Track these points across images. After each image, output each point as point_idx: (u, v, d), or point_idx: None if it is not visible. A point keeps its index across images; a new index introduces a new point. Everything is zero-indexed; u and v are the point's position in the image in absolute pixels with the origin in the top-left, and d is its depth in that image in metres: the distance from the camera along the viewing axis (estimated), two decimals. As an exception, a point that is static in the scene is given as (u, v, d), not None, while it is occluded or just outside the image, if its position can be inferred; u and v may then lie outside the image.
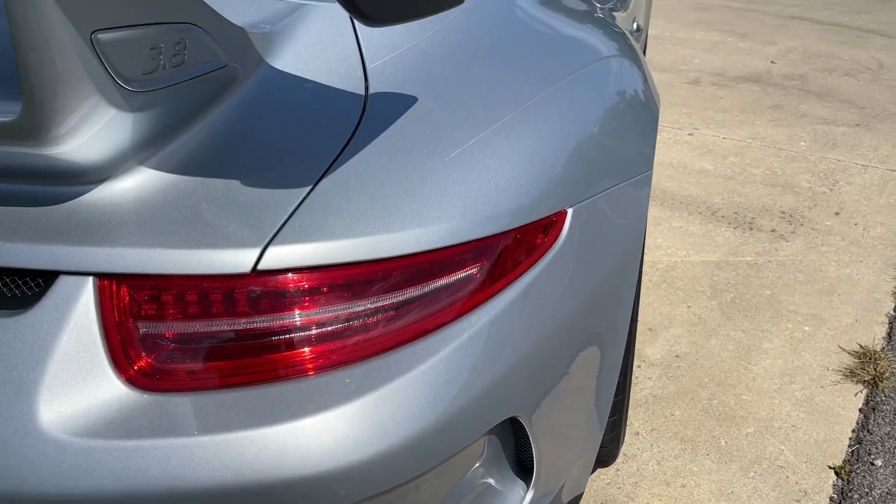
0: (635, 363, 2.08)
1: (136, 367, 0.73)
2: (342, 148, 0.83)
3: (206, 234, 0.74)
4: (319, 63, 0.90)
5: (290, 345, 0.75)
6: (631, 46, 1.49)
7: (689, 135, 3.83)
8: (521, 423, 0.95)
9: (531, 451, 0.99)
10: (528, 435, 0.97)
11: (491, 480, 1.00)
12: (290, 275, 0.75)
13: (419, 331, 0.80)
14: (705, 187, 3.20)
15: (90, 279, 0.72)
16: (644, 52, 3.14)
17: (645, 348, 2.15)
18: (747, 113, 4.17)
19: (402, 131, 0.87)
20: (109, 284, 0.73)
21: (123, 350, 0.73)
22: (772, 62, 5.22)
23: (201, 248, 0.73)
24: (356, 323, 0.78)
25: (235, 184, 0.77)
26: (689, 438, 1.83)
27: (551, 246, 0.93)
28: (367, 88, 0.90)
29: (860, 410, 1.93)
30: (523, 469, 1.04)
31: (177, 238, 0.73)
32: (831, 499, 1.67)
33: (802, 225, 2.87)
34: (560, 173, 0.96)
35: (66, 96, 0.65)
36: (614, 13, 1.93)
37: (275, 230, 0.74)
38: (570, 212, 0.95)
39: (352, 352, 0.77)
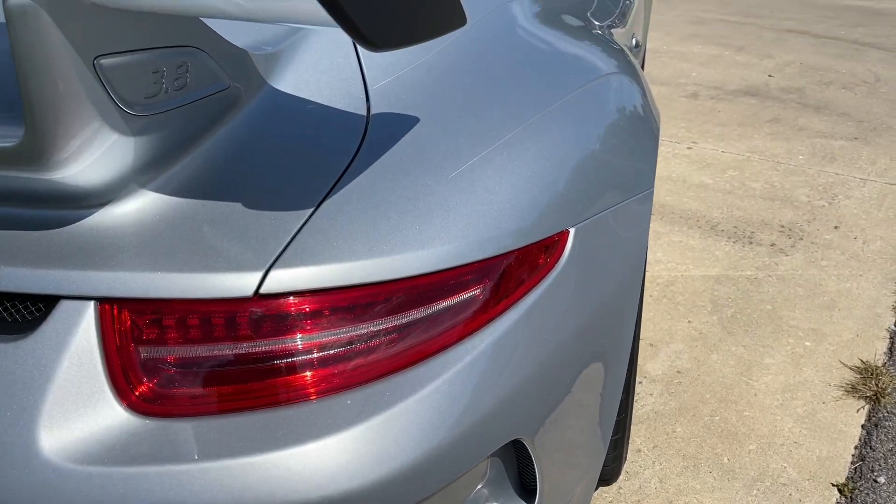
0: (636, 379, 2.07)
1: (137, 393, 0.72)
2: (344, 169, 0.82)
3: (209, 257, 0.73)
4: (321, 84, 0.90)
5: (293, 369, 0.75)
6: (630, 63, 1.50)
7: (688, 148, 3.84)
8: (524, 444, 0.94)
9: (534, 471, 0.99)
10: (531, 456, 0.96)
11: (495, 503, 0.99)
12: (292, 298, 0.74)
13: (422, 353, 0.80)
14: (704, 201, 3.20)
15: (91, 304, 0.72)
16: (642, 66, 3.15)
17: (646, 364, 2.15)
18: (746, 126, 4.18)
19: (403, 152, 0.86)
20: (111, 309, 0.72)
21: (125, 375, 0.72)
22: (769, 75, 5.24)
23: (203, 271, 0.72)
24: (359, 346, 0.77)
25: (237, 206, 0.77)
26: (691, 455, 1.82)
27: (553, 266, 0.93)
28: (368, 109, 0.90)
29: (862, 427, 1.92)
30: (526, 490, 1.03)
31: (179, 262, 0.73)
32: (835, 516, 1.66)
33: (802, 239, 2.88)
34: (562, 192, 0.96)
35: (69, 122, 0.64)
36: (613, 30, 1.94)
37: (277, 253, 0.74)
38: (571, 231, 0.95)
39: (354, 375, 0.76)
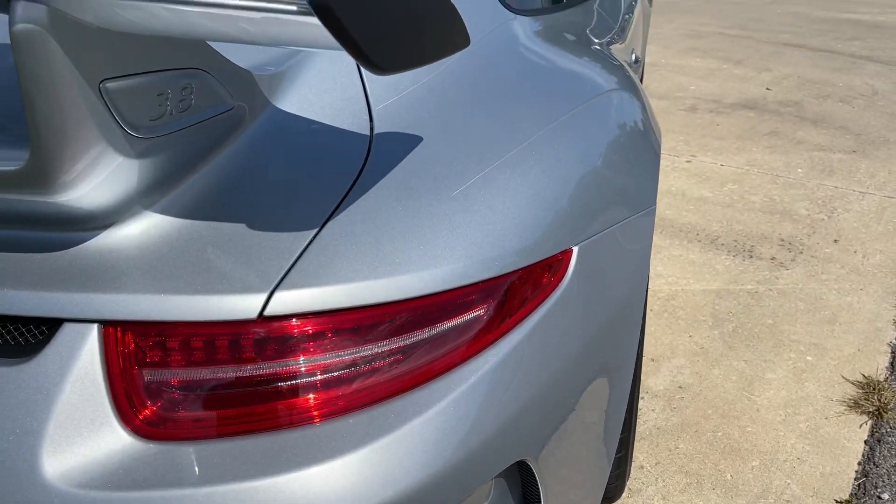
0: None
1: (141, 417, 0.72)
2: (348, 190, 0.82)
3: (212, 279, 0.73)
4: (325, 104, 0.90)
5: (297, 391, 0.74)
6: (630, 79, 1.50)
7: (687, 162, 3.84)
8: (528, 464, 0.93)
9: (538, 491, 0.98)
10: (535, 476, 0.96)
11: (499, 523, 0.98)
12: (296, 320, 0.74)
13: (426, 375, 0.79)
14: (704, 215, 3.21)
15: (95, 326, 0.71)
16: (641, 80, 3.15)
17: (648, 379, 2.14)
18: (744, 140, 4.19)
19: (407, 172, 0.86)
20: (114, 331, 0.72)
21: (128, 399, 0.72)
22: (767, 89, 5.26)
23: (208, 293, 0.72)
24: (363, 368, 0.77)
25: (241, 228, 0.77)
26: (694, 472, 1.81)
27: (557, 285, 0.92)
28: (372, 129, 0.90)
29: (865, 442, 1.92)
30: (530, 510, 1.02)
31: (182, 284, 0.72)
32: (839, 533, 1.65)
33: (802, 253, 2.88)
34: (565, 210, 0.96)
35: (74, 145, 0.64)
36: (612, 46, 1.94)
37: (281, 275, 0.74)
38: (575, 250, 0.95)
39: (359, 398, 0.76)
